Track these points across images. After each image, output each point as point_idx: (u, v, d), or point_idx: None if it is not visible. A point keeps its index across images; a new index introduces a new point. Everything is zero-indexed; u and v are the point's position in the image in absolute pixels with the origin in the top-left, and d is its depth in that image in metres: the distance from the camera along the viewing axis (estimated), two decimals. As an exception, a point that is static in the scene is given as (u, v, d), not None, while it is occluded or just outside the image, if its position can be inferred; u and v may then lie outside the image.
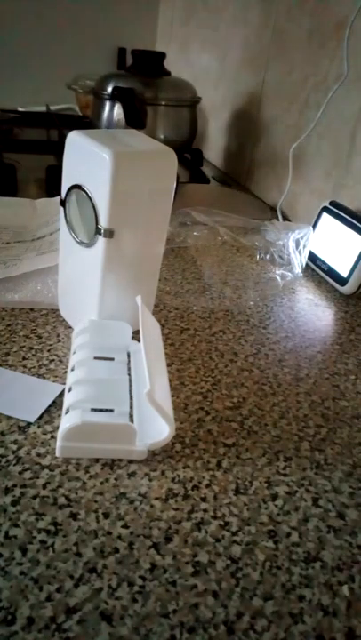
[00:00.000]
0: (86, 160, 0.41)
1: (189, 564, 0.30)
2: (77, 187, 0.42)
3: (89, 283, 0.45)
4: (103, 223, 0.41)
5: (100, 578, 0.29)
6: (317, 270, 0.71)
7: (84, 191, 0.42)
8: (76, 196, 0.44)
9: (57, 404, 0.41)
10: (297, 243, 0.70)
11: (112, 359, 0.44)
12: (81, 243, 0.44)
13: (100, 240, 0.42)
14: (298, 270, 0.69)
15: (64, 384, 0.43)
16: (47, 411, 0.40)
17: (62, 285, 0.51)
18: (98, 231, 0.42)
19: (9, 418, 0.39)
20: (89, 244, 0.43)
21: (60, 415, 0.40)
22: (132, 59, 1.05)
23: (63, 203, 0.45)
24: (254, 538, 0.33)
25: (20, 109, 1.42)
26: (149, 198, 0.42)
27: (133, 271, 0.46)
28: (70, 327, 0.51)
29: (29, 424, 0.39)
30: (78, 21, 1.55)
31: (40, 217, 0.71)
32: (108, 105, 1.02)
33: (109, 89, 0.98)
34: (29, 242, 0.63)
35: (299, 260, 0.70)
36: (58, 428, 0.38)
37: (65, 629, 0.26)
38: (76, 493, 0.34)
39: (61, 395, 0.42)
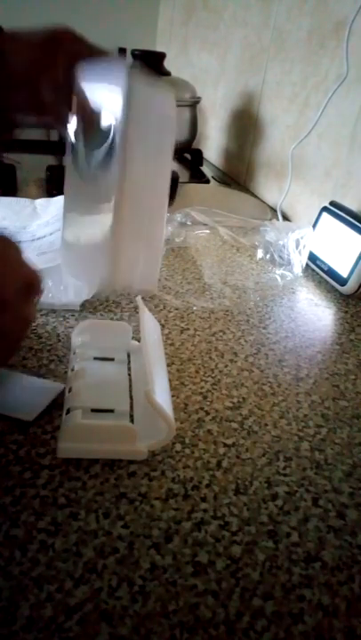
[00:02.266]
0: (100, 83, 0.39)
1: (189, 564, 0.30)
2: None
3: (98, 224, 0.42)
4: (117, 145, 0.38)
5: (99, 578, 0.29)
6: (317, 270, 0.71)
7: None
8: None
9: (57, 404, 0.41)
10: (297, 243, 0.70)
11: (112, 359, 0.44)
12: (90, 174, 0.42)
13: (114, 168, 0.39)
14: (298, 270, 0.69)
15: (64, 384, 0.43)
16: (47, 411, 0.40)
17: (68, 239, 0.48)
18: (109, 152, 0.39)
19: (9, 418, 0.39)
20: (98, 174, 0.41)
21: (60, 415, 0.40)
22: (132, 59, 1.05)
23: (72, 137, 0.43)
24: (254, 538, 0.33)
25: (20, 109, 1.42)
26: (157, 125, 0.40)
27: (143, 211, 0.42)
28: (70, 327, 0.51)
29: (29, 424, 0.39)
30: (78, 21, 1.55)
31: (40, 217, 0.71)
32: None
33: (109, 89, 0.98)
34: (29, 242, 0.63)
35: (299, 260, 0.70)
36: (58, 428, 0.38)
37: (65, 629, 0.26)
38: (76, 493, 0.34)
39: (61, 394, 0.42)
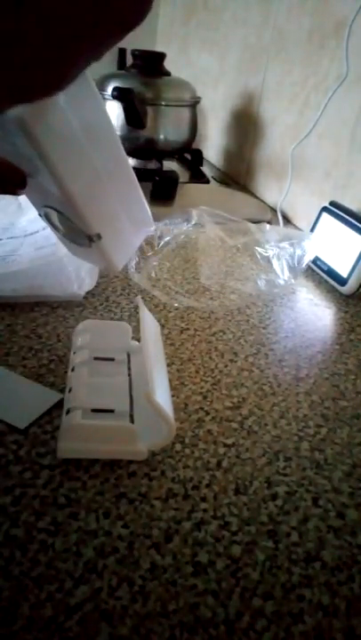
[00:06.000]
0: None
1: (189, 564, 0.30)
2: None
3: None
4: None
5: (99, 578, 0.29)
6: (317, 270, 0.71)
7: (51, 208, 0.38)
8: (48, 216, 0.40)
9: (57, 403, 0.41)
10: (296, 247, 0.70)
11: (112, 359, 0.44)
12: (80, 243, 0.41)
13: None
14: (296, 275, 0.69)
15: (64, 385, 0.43)
16: (48, 411, 0.40)
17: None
18: (90, 238, 0.36)
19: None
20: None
21: (60, 415, 0.40)
22: (132, 59, 1.05)
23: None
24: (254, 538, 0.33)
25: (20, 109, 1.42)
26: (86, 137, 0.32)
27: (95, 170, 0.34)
28: (71, 327, 0.51)
29: (21, 431, 0.38)
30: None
31: (27, 213, 0.70)
32: (107, 105, 1.02)
33: (109, 89, 0.98)
34: (22, 237, 0.63)
35: (298, 264, 0.70)
36: (58, 428, 0.38)
37: (65, 629, 0.26)
38: (76, 493, 0.34)
39: (59, 402, 0.41)
